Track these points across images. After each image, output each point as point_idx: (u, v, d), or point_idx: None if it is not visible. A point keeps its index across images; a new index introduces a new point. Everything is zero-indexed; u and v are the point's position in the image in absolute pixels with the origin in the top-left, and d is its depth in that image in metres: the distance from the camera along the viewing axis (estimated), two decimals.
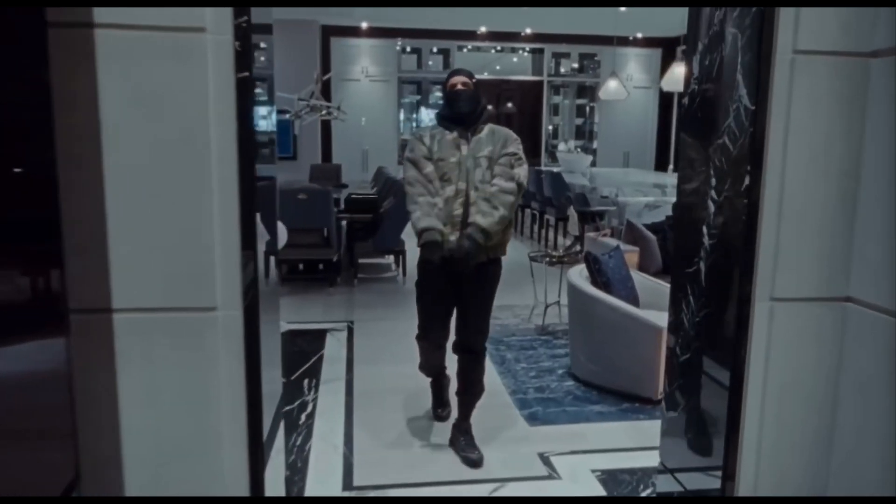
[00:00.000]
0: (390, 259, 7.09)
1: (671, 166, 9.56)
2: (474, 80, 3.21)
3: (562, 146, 13.28)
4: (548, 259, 5.09)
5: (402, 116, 12.53)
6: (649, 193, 7.22)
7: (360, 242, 6.30)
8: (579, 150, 12.27)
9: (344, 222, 6.41)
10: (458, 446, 3.29)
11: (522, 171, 3.12)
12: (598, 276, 3.95)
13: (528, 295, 5.70)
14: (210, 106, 1.67)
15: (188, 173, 1.69)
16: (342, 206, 6.55)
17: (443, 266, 3.08)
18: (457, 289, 3.17)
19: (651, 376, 3.75)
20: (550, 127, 13.01)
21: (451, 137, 3.12)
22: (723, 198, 2.07)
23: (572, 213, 7.37)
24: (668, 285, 4.35)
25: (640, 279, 4.30)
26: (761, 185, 1.92)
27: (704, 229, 2.17)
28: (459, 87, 3.16)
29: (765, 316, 1.99)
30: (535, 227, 9.13)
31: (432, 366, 3.53)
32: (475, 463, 3.18)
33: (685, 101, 2.31)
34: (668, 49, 12.77)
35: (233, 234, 1.73)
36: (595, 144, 12.92)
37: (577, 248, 7.58)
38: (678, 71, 7.52)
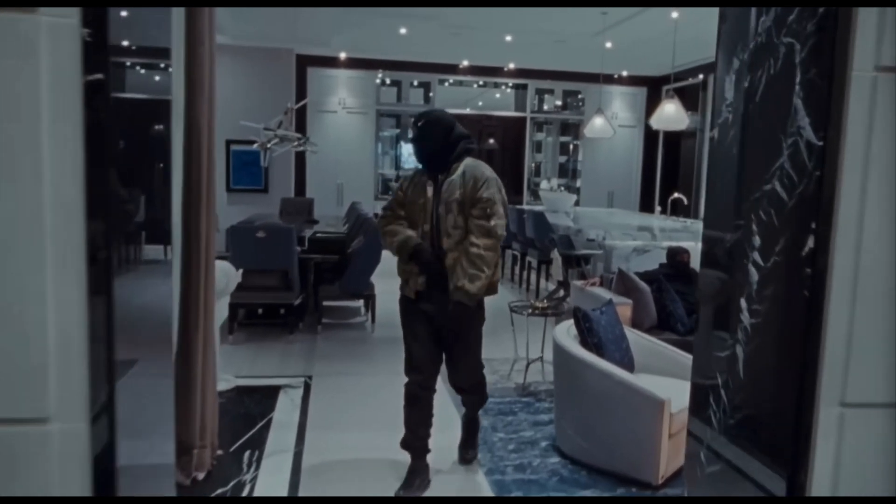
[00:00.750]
0: (360, 303, 6.51)
1: (658, 208, 9.13)
2: (424, 121, 3.09)
3: (544, 184, 12.87)
4: (530, 311, 4.56)
5: (379, 150, 12.06)
6: (636, 237, 6.75)
7: (326, 285, 5.73)
8: (562, 188, 11.86)
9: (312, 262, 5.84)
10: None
11: (500, 224, 3.03)
12: (589, 335, 3.41)
13: (508, 347, 5.16)
14: (43, 120, 1.13)
15: (5, 229, 1.14)
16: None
17: (423, 307, 3.12)
18: (440, 330, 3.14)
19: (650, 457, 3.20)
20: (533, 164, 12.62)
21: (424, 180, 3.12)
22: (771, 263, 1.55)
23: (556, 256, 6.89)
24: (667, 346, 3.87)
25: (634, 338, 3.77)
26: (830, 250, 1.41)
27: (743, 303, 1.65)
28: (415, 130, 3.11)
29: (832, 425, 1.46)
30: (517, 269, 8.63)
31: (416, 435, 3.21)
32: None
33: (714, 133, 1.80)
34: (653, 88, 12.50)
35: (75, 317, 1.17)
36: (579, 183, 12.53)
37: (561, 293, 7.08)
38: (669, 109, 7.14)
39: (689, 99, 11.58)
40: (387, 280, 8.27)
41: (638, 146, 12.69)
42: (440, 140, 3.06)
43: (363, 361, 5.21)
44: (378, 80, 11.88)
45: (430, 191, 3.07)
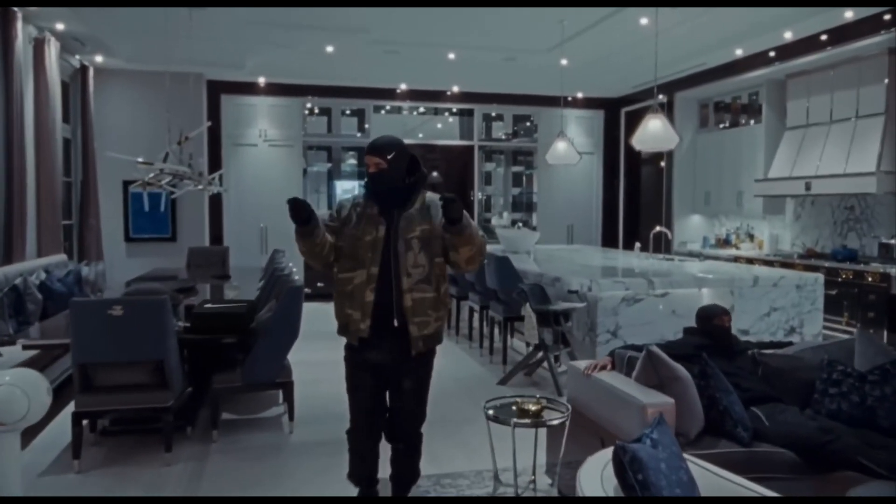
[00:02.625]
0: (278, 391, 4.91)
1: (638, 245, 7.85)
2: (394, 153, 2.87)
3: (496, 220, 11.55)
4: (517, 420, 3.05)
5: (308, 188, 10.52)
6: (629, 284, 5.40)
7: (223, 373, 4.13)
8: (520, 224, 10.52)
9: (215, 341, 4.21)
10: None
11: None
12: (644, 490, 1.95)
13: (482, 459, 3.67)
14: None
15: None
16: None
17: (368, 357, 2.90)
18: (387, 381, 2.96)
19: None
20: (483, 198, 11.29)
21: (373, 213, 2.89)
22: None
23: (529, 312, 5.49)
24: (753, 486, 2.40)
25: (698, 472, 2.33)
26: None
27: None
28: (372, 169, 2.88)
29: None
30: (475, 324, 7.17)
31: (361, 473, 3.07)
32: None
33: None
34: (611, 111, 11.41)
35: None
36: (534, 218, 11.25)
37: (539, 356, 5.63)
38: (654, 125, 5.88)
39: None
40: (314, 345, 6.73)
41: (597, 175, 11.53)
42: (404, 173, 2.88)
43: (276, 484, 3.61)
44: (304, 109, 10.40)
45: (382, 230, 2.84)
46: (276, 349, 4.16)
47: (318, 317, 8.35)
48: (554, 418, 3.04)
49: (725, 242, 9.43)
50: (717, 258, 8.16)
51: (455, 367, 6.16)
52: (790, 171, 7.84)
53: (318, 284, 9.72)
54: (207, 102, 9.73)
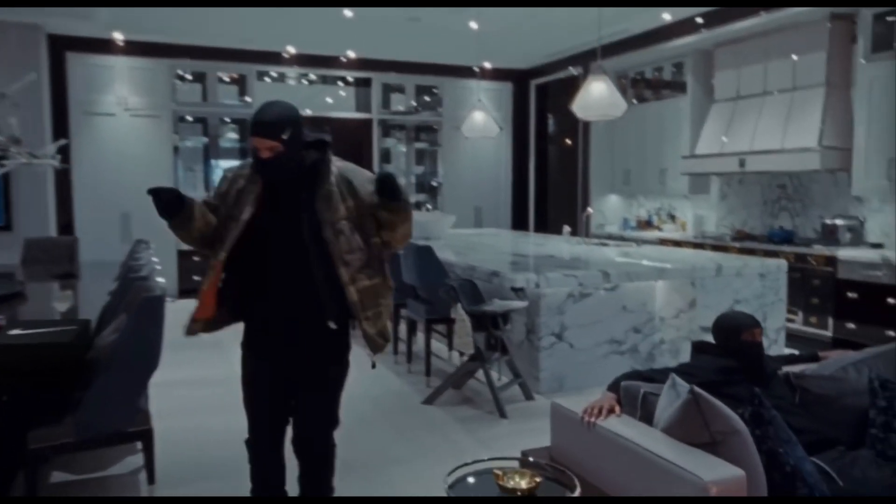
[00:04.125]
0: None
1: (567, 228, 7.00)
2: (290, 129, 2.29)
3: None
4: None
5: (181, 166, 8.99)
6: (582, 279, 4.53)
7: (43, 429, 2.84)
8: (429, 207, 9.51)
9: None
10: None
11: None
12: None
13: None
14: None
15: None
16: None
17: (270, 356, 2.43)
18: (293, 381, 2.45)
19: None
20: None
21: (257, 189, 2.36)
22: None
23: (461, 314, 4.51)
24: None
25: None
26: None
27: None
28: (266, 155, 2.28)
29: None
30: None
31: (267, 488, 2.54)
32: None
33: None
34: (520, 83, 10.58)
35: None
36: (439, 199, 10.26)
37: (469, 366, 4.64)
38: (598, 89, 5.01)
39: (561, 95, 9.75)
40: (191, 358, 5.48)
41: (506, 153, 10.69)
42: (300, 156, 2.35)
43: None
44: (175, 74, 8.83)
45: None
46: (124, 387, 2.92)
47: None
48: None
49: (647, 224, 8.84)
50: (641, 241, 7.50)
51: (367, 381, 5.08)
52: (720, 147, 7.28)
53: (195, 278, 8.28)
54: (50, 61, 7.99)
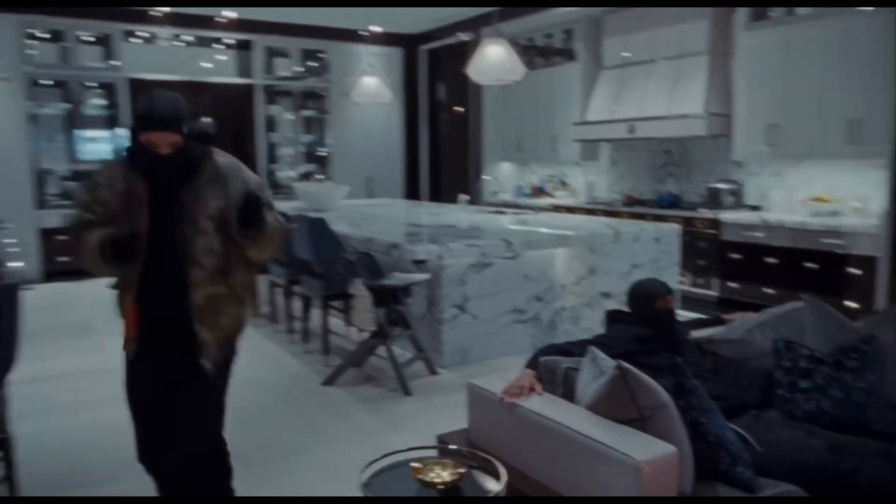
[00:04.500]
0: None
1: (464, 196, 6.87)
2: (184, 119, 2.15)
3: (284, 173, 9.98)
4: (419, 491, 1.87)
5: (38, 138, 8.09)
6: (485, 248, 4.42)
7: None
8: (319, 177, 9.11)
9: None
10: None
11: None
12: None
13: None
14: None
15: None
16: None
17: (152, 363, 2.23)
18: (174, 388, 2.24)
19: None
20: (268, 147, 9.63)
21: (140, 191, 2.17)
22: None
23: (360, 289, 4.27)
24: None
25: None
26: None
27: None
28: (166, 150, 2.13)
29: None
30: (280, 304, 5.77)
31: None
32: None
33: None
34: (410, 48, 10.30)
35: None
36: (329, 169, 9.88)
37: (371, 343, 4.44)
38: (495, 53, 4.85)
39: (452, 62, 9.60)
40: (58, 349, 4.94)
41: (397, 121, 10.43)
42: (192, 148, 2.19)
43: None
44: (25, 32, 7.89)
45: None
46: None
47: (64, 305, 6.36)
48: (486, 492, 1.89)
49: (540, 191, 8.89)
50: (534, 208, 7.52)
51: (263, 362, 4.78)
52: (610, 113, 7.37)
53: (61, 259, 7.52)
54: None
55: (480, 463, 1.91)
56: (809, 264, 5.56)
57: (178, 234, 2.18)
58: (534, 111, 8.74)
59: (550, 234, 4.70)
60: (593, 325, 4.87)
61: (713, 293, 6.30)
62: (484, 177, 6.55)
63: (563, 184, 8.72)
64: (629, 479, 1.69)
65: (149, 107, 2.12)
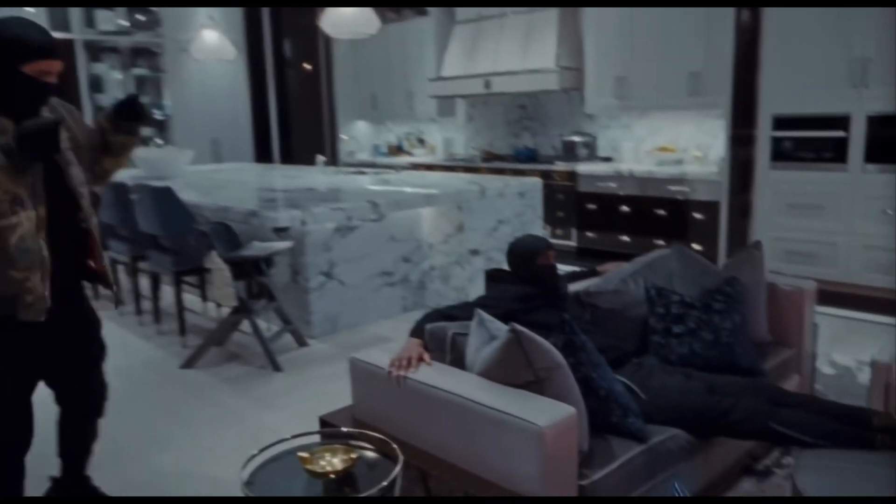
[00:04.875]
0: None
1: (322, 158, 6.53)
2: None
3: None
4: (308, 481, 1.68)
5: None
6: (352, 212, 4.22)
7: None
8: (158, 142, 8.37)
9: None
10: None
11: None
12: None
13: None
14: None
15: None
16: None
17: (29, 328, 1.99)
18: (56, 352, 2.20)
19: None
20: (94, 110, 8.70)
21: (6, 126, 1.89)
22: None
23: (218, 264, 3.93)
24: None
25: None
26: None
27: None
28: (54, 79, 1.98)
29: None
30: (123, 279, 5.25)
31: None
32: None
33: None
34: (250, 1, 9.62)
35: None
36: (169, 133, 9.12)
37: (233, 320, 4.14)
38: (348, 5, 4.59)
39: (296, 16, 9.14)
40: None
41: (243, 80, 9.78)
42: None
43: None
44: None
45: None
46: None
47: None
48: (380, 479, 1.74)
49: (398, 149, 8.74)
50: (393, 167, 7.38)
51: (111, 348, 4.31)
52: (465, 69, 7.31)
53: None
54: None
55: (375, 444, 1.77)
56: (659, 211, 5.86)
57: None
58: (387, 67, 8.51)
59: (417, 193, 4.58)
60: (463, 283, 4.84)
61: (572, 244, 6.51)
62: (342, 136, 6.28)
63: (421, 141, 8.62)
64: (533, 445, 1.63)
65: (35, 32, 1.88)
